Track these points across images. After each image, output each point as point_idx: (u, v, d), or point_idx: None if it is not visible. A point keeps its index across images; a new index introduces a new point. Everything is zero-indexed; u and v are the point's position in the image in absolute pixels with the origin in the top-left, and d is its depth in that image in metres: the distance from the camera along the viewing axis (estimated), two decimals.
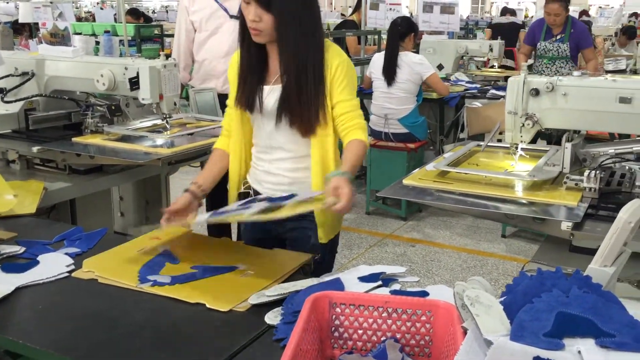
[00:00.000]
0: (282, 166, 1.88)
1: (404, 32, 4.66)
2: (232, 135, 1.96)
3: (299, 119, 1.78)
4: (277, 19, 1.70)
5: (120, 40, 3.89)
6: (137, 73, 2.45)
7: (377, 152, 4.87)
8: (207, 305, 1.42)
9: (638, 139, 1.90)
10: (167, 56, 2.67)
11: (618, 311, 1.04)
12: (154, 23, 8.54)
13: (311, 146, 1.82)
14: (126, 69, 2.49)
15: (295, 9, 1.73)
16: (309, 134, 1.81)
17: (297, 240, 1.88)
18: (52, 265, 1.61)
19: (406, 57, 4.62)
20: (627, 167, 1.96)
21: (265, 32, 1.73)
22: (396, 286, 1.51)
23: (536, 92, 1.89)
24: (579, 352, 0.96)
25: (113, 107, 2.61)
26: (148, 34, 6.78)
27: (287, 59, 1.75)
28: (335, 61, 1.80)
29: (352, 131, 1.80)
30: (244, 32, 1.79)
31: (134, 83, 2.45)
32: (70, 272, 1.58)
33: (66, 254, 1.68)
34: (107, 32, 3.65)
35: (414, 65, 4.60)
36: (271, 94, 1.82)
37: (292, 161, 1.87)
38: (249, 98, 1.84)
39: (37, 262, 1.62)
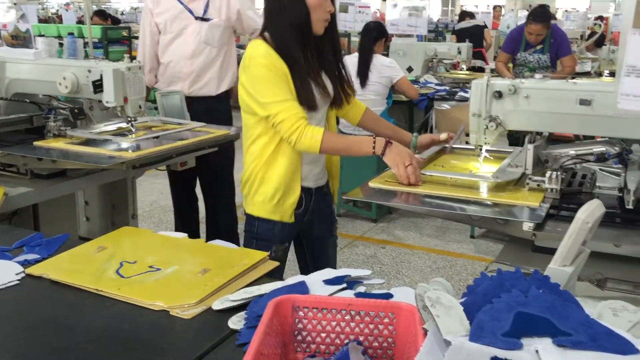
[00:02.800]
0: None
1: (377, 36, 4.74)
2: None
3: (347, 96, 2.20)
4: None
5: (86, 43, 3.83)
6: (101, 76, 2.41)
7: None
8: (170, 312, 1.40)
9: (598, 141, 1.94)
10: (133, 58, 2.63)
11: (575, 310, 1.06)
12: (122, 25, 8.44)
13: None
14: (89, 71, 2.45)
15: None
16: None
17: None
18: (1, 274, 1.56)
19: (377, 60, 4.67)
20: (588, 168, 2.00)
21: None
22: (361, 288, 1.51)
23: (499, 95, 1.92)
24: (537, 351, 0.97)
25: (76, 111, 2.57)
26: (115, 36, 6.71)
27: (338, 44, 2.12)
28: None
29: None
30: (309, 26, 1.94)
31: (98, 86, 2.41)
32: (20, 280, 1.54)
33: (25, 260, 1.64)
34: (70, 34, 3.60)
35: (384, 69, 4.65)
36: (326, 82, 2.07)
37: None
38: (316, 95, 2.02)
39: None
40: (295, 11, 1.92)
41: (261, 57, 1.94)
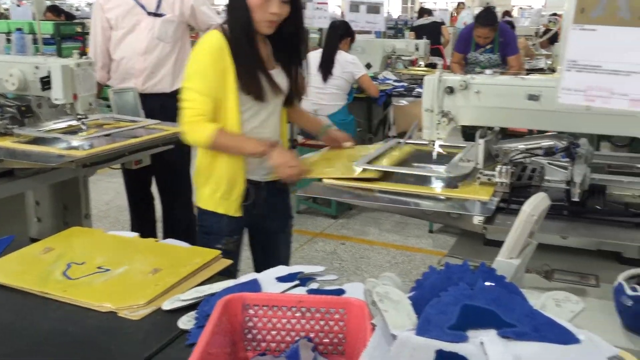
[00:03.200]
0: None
1: (342, 34, 4.79)
2: (219, 122, 2.02)
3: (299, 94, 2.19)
4: (296, 10, 1.99)
5: (36, 39, 3.72)
6: (49, 72, 2.35)
7: (307, 151, 4.87)
8: (119, 314, 1.37)
9: (546, 135, 1.98)
10: (83, 54, 2.57)
11: (519, 302, 1.07)
12: (76, 21, 8.23)
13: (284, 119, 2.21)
14: (37, 68, 2.38)
15: None
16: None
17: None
18: None
19: (340, 56, 4.73)
20: (538, 162, 2.04)
21: (277, 24, 1.97)
22: (314, 285, 1.50)
23: (451, 90, 1.94)
24: (482, 343, 0.98)
25: (23, 108, 2.50)
26: (69, 32, 6.54)
27: (299, 45, 2.10)
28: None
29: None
30: (250, 25, 1.94)
31: (46, 83, 2.35)
32: None
33: None
34: (19, 29, 3.49)
35: (347, 65, 4.72)
36: (279, 77, 2.08)
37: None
38: (264, 86, 2.02)
39: None
40: (239, 10, 1.96)
41: (208, 46, 1.99)
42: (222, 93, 1.99)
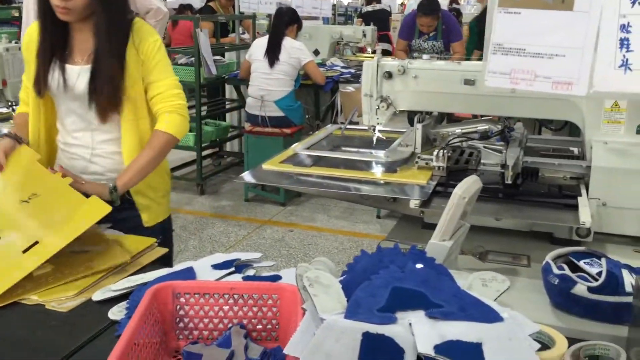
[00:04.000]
0: (106, 149, 1.86)
1: (288, 21, 4.75)
2: (29, 118, 1.89)
3: (110, 100, 1.76)
4: None
5: None
6: None
7: (253, 138, 4.84)
8: (46, 306, 1.33)
9: (482, 119, 2.01)
10: (13, 40, 2.47)
11: (448, 283, 1.09)
12: (13, 5, 7.90)
13: (122, 130, 1.82)
14: None
15: None
16: (117, 115, 1.80)
17: (125, 225, 1.78)
18: None
19: (287, 42, 4.70)
20: (475, 146, 2.07)
21: (74, 11, 1.67)
22: (250, 272, 1.49)
23: (389, 75, 1.94)
24: (410, 324, 0.99)
25: None
26: (5, 17, 6.27)
27: (101, 40, 1.72)
28: (149, 39, 1.80)
29: (161, 116, 1.81)
30: (45, 9, 1.70)
31: None
32: None
33: None
34: None
35: (294, 51, 4.68)
36: (81, 75, 1.76)
37: (113, 143, 1.86)
38: (53, 79, 1.78)
39: None
40: None
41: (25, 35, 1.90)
42: None
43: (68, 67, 1.78)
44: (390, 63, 1.96)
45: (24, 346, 1.19)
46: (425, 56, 1.97)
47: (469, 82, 1.85)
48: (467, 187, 1.34)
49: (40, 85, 1.78)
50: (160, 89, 1.81)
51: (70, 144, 1.88)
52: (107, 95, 1.75)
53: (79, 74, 1.77)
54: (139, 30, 1.80)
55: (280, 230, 4.42)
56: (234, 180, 2.43)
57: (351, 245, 4.19)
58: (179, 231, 4.32)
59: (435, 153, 1.84)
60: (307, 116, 5.28)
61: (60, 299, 1.35)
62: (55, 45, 1.77)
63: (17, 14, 6.53)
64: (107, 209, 1.55)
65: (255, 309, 1.21)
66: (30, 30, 1.82)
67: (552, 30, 1.10)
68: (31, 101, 1.87)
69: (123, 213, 1.80)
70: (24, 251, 1.45)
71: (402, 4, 14.72)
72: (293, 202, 4.96)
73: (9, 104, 2.34)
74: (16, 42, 2.35)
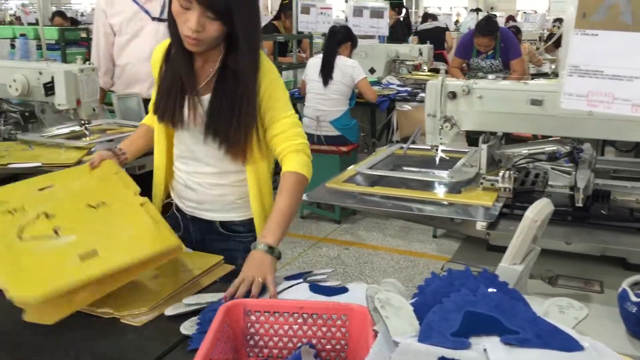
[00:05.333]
0: (203, 181, 1.76)
1: (341, 39, 4.78)
2: (155, 142, 1.84)
3: (228, 139, 1.62)
4: (226, 28, 1.53)
5: (39, 45, 3.73)
6: (52, 78, 2.36)
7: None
8: (121, 320, 1.37)
9: (550, 140, 1.97)
10: (87, 60, 2.58)
11: (522, 308, 1.07)
12: (80, 26, 8.27)
13: (247, 172, 1.71)
14: (40, 73, 2.39)
15: (249, 18, 1.56)
16: (239, 158, 1.67)
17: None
18: None
19: (340, 61, 4.71)
20: (542, 168, 2.03)
21: (205, 42, 1.54)
22: (315, 277, 1.50)
23: (453, 95, 1.94)
24: (485, 350, 0.98)
25: (27, 114, 2.51)
26: (73, 38, 6.56)
27: (231, 73, 1.59)
28: (269, 76, 1.64)
29: (288, 156, 1.64)
30: (177, 40, 1.58)
31: (49, 88, 2.36)
32: None
33: None
34: (22, 35, 3.50)
35: (347, 68, 4.69)
36: (199, 106, 1.65)
37: (215, 176, 1.76)
38: (173, 111, 1.67)
39: None
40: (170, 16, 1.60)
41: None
42: None
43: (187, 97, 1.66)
44: (454, 83, 1.95)
45: (101, 358, 1.23)
46: (490, 76, 1.95)
47: (536, 102, 1.83)
48: (539, 209, 1.31)
49: (164, 116, 1.71)
50: (282, 127, 1.65)
51: (182, 170, 1.82)
52: (227, 133, 1.63)
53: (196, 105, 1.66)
54: (261, 63, 1.64)
55: (336, 248, 4.42)
56: None
57: (407, 264, 4.15)
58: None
59: (501, 174, 1.81)
60: (362, 134, 5.28)
61: (134, 312, 1.38)
62: (179, 77, 1.65)
63: (84, 35, 6.84)
64: (176, 242, 1.48)
65: (324, 328, 1.21)
66: (161, 47, 1.77)
67: (632, 52, 1.08)
68: (156, 125, 1.81)
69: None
70: (81, 258, 1.36)
71: (457, 22, 14.62)
72: (348, 220, 4.96)
73: (82, 122, 2.44)
74: (90, 63, 2.45)
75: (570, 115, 1.61)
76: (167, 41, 1.72)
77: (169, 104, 1.67)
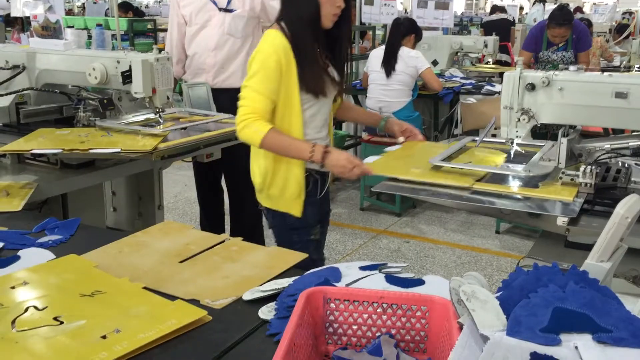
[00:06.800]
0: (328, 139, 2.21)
1: (405, 31, 4.74)
2: (283, 124, 2.05)
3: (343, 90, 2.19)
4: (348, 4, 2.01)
5: (113, 35, 3.86)
6: (130, 66, 2.43)
7: (371, 148, 4.86)
8: (200, 302, 1.40)
9: (634, 134, 1.89)
10: (160, 50, 2.64)
11: (615, 306, 1.03)
12: (146, 17, 8.49)
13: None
14: (118, 62, 2.46)
15: None
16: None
17: None
18: (35, 259, 1.58)
19: (403, 52, 4.68)
20: (622, 163, 1.96)
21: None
22: (391, 270, 1.50)
23: (532, 87, 1.89)
24: (576, 347, 0.95)
25: (105, 101, 2.59)
26: (141, 29, 6.75)
27: (349, 40, 2.13)
28: None
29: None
30: (318, 20, 1.97)
31: (127, 77, 2.42)
32: None
33: (50, 241, 1.69)
34: (99, 25, 3.63)
35: (410, 59, 4.65)
36: (333, 72, 2.10)
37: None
38: (326, 82, 2.06)
39: (19, 257, 1.60)
40: (306, 4, 1.97)
41: (270, 47, 2.00)
42: (284, 93, 2.01)
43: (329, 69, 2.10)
44: (533, 74, 1.90)
45: (183, 338, 1.26)
46: (572, 67, 1.89)
47: (621, 95, 1.76)
48: (630, 206, 1.26)
49: (318, 88, 2.04)
50: None
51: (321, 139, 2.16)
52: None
53: (332, 71, 2.11)
54: None
55: (396, 240, 4.40)
56: (349, 188, 2.42)
57: (469, 259, 4.09)
58: None
59: (582, 169, 1.76)
60: (424, 127, 5.22)
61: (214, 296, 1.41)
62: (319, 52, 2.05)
63: (151, 26, 7.02)
64: (201, 313, 1.32)
65: (404, 319, 1.21)
66: (282, 43, 1.99)
67: None
68: (281, 109, 2.05)
69: None
70: (103, 337, 1.21)
71: (520, 14, 14.22)
72: (408, 213, 4.92)
73: (157, 110, 2.50)
74: (165, 53, 2.51)
75: None
76: (277, 40, 2.00)
77: (320, 80, 2.04)
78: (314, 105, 2.09)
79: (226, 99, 3.28)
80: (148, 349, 1.21)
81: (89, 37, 3.39)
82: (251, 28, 3.35)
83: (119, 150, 2.25)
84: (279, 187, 2.12)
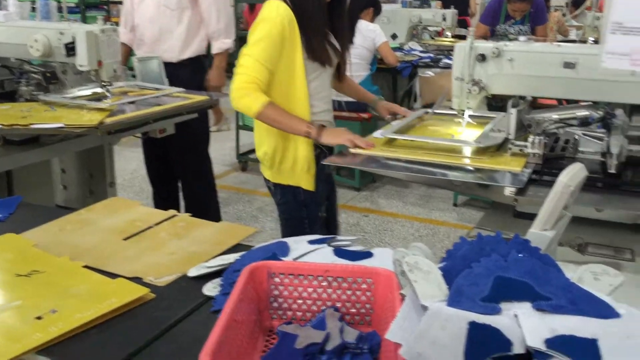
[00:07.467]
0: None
1: (363, 5, 4.69)
2: (288, 96, 2.06)
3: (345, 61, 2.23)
4: None
5: (60, 6, 3.70)
6: (73, 38, 2.33)
7: (340, 123, 4.83)
8: (144, 279, 1.36)
9: (581, 105, 1.91)
10: (114, 24, 2.55)
11: (555, 274, 1.03)
12: None
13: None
14: (62, 34, 2.37)
15: None
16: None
17: None
18: None
19: (361, 25, 4.63)
20: (571, 133, 1.97)
21: None
22: (339, 243, 1.48)
23: (482, 58, 1.88)
24: (516, 315, 0.95)
25: (48, 75, 2.49)
26: (93, 1, 6.53)
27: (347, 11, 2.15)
28: None
29: None
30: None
31: (70, 49, 2.33)
32: None
33: None
34: None
35: (368, 32, 4.62)
36: (334, 41, 2.11)
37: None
38: (327, 54, 2.07)
39: None
40: None
41: (279, 17, 1.98)
42: (288, 63, 2.01)
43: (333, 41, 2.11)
44: (484, 45, 1.89)
45: (123, 318, 1.22)
46: (521, 38, 1.89)
47: (569, 65, 1.76)
48: (573, 175, 1.27)
49: (324, 58, 2.06)
50: None
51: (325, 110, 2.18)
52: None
53: (334, 40, 2.12)
54: None
55: (355, 215, 4.41)
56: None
57: (427, 232, 4.13)
58: (255, 213, 4.39)
59: (530, 139, 1.76)
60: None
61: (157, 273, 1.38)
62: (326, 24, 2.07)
63: None
64: (142, 291, 1.29)
65: (349, 292, 1.20)
66: (288, 14, 1.97)
67: None
68: (281, 80, 2.04)
69: None
70: (38, 318, 1.17)
71: None
72: (368, 188, 4.93)
73: (104, 84, 2.42)
74: (111, 24, 2.42)
75: (607, 79, 1.55)
76: (282, 10, 1.98)
77: (324, 50, 2.06)
78: (319, 76, 2.10)
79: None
80: (85, 329, 1.17)
81: (33, 9, 3.24)
82: (187, 1, 3.22)
83: (62, 125, 2.17)
84: (289, 162, 2.13)
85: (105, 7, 6.71)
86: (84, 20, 6.09)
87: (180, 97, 2.72)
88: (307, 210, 2.19)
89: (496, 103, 3.02)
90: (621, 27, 1.05)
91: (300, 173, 2.13)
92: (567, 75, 1.77)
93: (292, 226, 2.23)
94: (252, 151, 5.31)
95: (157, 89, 2.81)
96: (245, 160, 5.41)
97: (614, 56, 1.07)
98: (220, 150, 5.79)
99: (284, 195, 2.20)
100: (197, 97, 2.72)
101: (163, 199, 3.57)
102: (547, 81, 1.83)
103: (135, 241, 1.56)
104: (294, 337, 1.13)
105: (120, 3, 7.14)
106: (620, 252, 1.50)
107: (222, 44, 3.26)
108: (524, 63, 1.83)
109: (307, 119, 2.07)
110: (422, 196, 4.75)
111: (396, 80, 5.39)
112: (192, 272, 1.39)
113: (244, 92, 1.95)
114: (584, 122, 1.83)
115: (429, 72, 4.89)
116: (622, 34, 1.05)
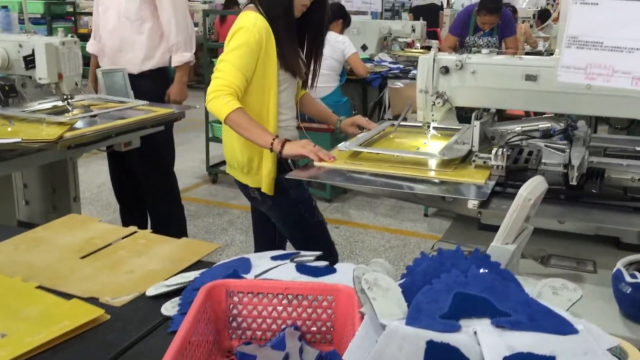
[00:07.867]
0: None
1: (333, 16, 4.69)
2: (262, 104, 2.11)
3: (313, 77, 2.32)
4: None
5: (23, 18, 3.63)
6: (33, 51, 2.28)
7: (301, 134, 4.81)
8: (100, 300, 1.32)
9: (544, 117, 1.92)
10: (81, 36, 2.51)
11: (514, 290, 1.03)
12: (68, 1, 8.10)
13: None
14: (20, 46, 2.32)
15: None
16: None
17: None
18: None
19: (330, 36, 4.64)
20: (535, 145, 1.99)
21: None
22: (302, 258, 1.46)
23: (446, 70, 1.88)
24: (475, 332, 0.94)
25: (7, 88, 2.43)
26: (59, 12, 6.43)
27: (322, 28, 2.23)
28: None
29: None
30: (291, 10, 2.05)
31: (30, 61, 2.28)
32: None
33: None
34: (4, 7, 3.41)
35: (337, 44, 4.63)
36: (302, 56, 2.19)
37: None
38: (299, 65, 2.14)
39: None
40: None
41: (254, 26, 2.03)
42: (262, 73, 2.06)
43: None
44: (447, 58, 1.90)
45: (76, 341, 1.18)
46: (484, 50, 1.89)
47: (530, 77, 1.77)
48: (533, 188, 1.27)
49: (297, 72, 2.14)
50: None
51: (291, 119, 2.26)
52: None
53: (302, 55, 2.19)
54: None
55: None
56: (283, 177, 2.37)
57: (398, 243, 4.13)
58: (225, 225, 4.34)
59: (494, 152, 1.77)
60: (353, 112, 5.22)
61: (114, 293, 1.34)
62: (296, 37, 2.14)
63: (71, 9, 6.70)
64: (97, 312, 1.25)
65: (309, 310, 1.17)
66: (265, 24, 2.03)
67: (633, 22, 1.03)
68: (255, 88, 2.09)
69: None
70: None
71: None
72: (339, 199, 4.92)
73: (65, 97, 2.37)
74: (72, 37, 2.37)
75: (566, 91, 1.56)
76: (259, 21, 2.04)
77: (296, 61, 2.13)
78: (289, 87, 2.16)
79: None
80: (36, 353, 1.13)
81: None
82: (147, 12, 3.17)
83: (19, 140, 2.11)
84: (268, 168, 2.13)
85: (72, 18, 6.61)
86: (50, 31, 5.99)
87: (144, 110, 2.68)
88: (304, 206, 2.20)
89: (466, 114, 3.04)
90: (576, 41, 1.06)
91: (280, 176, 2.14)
92: (528, 88, 1.78)
93: (293, 227, 2.22)
94: (223, 163, 5.26)
95: (120, 102, 2.76)
96: (216, 172, 5.36)
97: (569, 70, 1.07)
98: (190, 162, 5.74)
99: (275, 199, 2.18)
100: (162, 110, 2.68)
101: (130, 214, 3.51)
102: (510, 93, 1.83)
103: (92, 260, 1.52)
104: (252, 358, 1.10)
105: (88, 14, 7.06)
106: (583, 263, 1.50)
107: (182, 57, 3.22)
108: (486, 75, 1.84)
109: (275, 126, 2.11)
110: (393, 207, 4.76)
111: (366, 91, 5.41)
112: (151, 292, 1.36)
113: (218, 94, 1.98)
114: (546, 134, 1.85)
115: (399, 83, 4.92)
116: (577, 47, 1.05)
